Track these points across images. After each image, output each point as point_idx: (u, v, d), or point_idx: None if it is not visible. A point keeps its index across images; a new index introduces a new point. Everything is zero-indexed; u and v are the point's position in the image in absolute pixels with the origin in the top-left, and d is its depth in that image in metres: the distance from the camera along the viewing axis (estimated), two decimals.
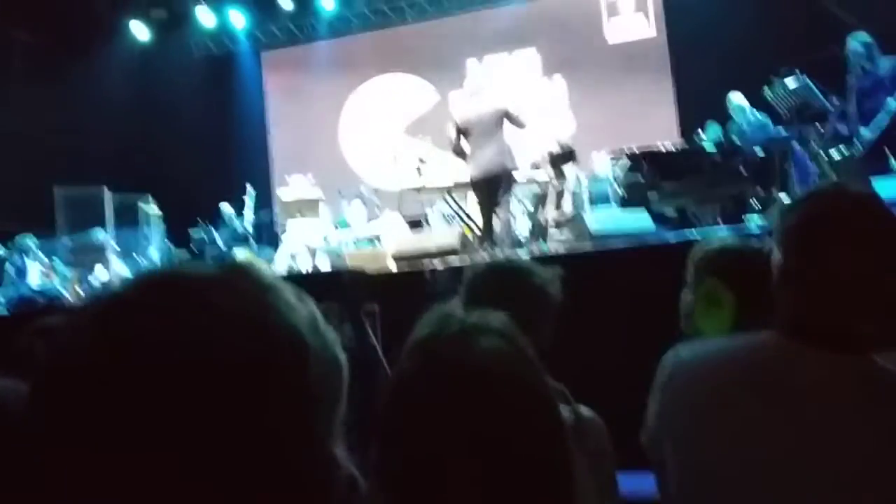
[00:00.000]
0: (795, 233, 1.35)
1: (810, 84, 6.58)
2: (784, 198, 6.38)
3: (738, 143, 7.25)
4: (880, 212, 1.32)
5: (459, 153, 7.17)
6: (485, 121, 6.91)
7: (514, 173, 7.24)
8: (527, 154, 9.12)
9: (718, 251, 1.83)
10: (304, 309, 0.66)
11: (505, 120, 6.99)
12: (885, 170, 6.24)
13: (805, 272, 1.32)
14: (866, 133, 6.50)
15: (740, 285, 1.69)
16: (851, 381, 1.26)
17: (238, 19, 13.57)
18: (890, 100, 6.41)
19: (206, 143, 13.65)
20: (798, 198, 1.46)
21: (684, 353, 1.45)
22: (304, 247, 8.63)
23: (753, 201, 6.99)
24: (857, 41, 6.61)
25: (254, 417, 0.57)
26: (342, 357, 0.69)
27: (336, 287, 4.63)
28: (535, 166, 8.67)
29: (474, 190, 7.23)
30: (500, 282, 1.84)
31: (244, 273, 0.65)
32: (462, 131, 7.04)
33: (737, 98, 7.86)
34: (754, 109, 7.78)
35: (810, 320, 1.31)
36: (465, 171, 7.21)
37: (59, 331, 0.60)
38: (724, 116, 8.46)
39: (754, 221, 6.13)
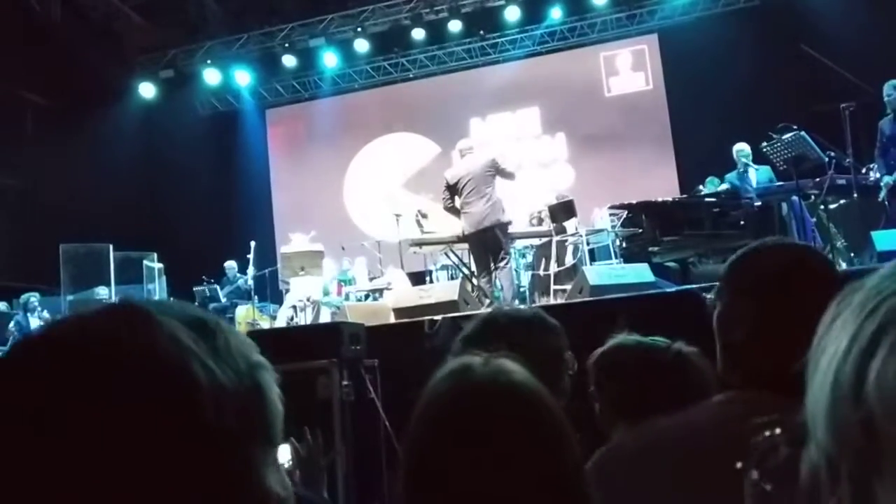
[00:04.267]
0: (772, 282, 1.37)
1: (807, 137, 6.66)
2: None
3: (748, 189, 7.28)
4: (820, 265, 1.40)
5: (452, 210, 7.39)
6: (474, 177, 7.14)
7: (510, 226, 7.42)
8: (527, 208, 9.21)
9: (615, 349, 1.81)
10: (200, 342, 0.61)
11: (495, 174, 7.22)
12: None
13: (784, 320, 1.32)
14: (889, 180, 6.53)
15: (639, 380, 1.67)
16: None
17: (242, 77, 13.82)
18: None
19: (211, 200, 13.78)
20: (745, 253, 1.48)
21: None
22: (306, 300, 8.63)
23: None
24: (891, 86, 6.72)
25: (149, 463, 0.55)
26: (265, 387, 0.65)
27: (335, 342, 4.62)
28: (537, 220, 8.72)
29: (469, 245, 7.44)
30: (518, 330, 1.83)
31: (129, 314, 0.62)
32: (453, 189, 7.27)
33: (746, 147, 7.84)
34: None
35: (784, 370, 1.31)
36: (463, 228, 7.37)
37: None
38: (723, 172, 8.53)
39: None
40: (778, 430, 1.12)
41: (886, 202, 6.55)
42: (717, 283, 1.48)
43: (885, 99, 6.77)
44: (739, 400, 1.34)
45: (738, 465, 1.13)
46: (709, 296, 1.55)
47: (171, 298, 10.22)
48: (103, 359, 0.57)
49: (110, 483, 0.54)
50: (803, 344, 1.34)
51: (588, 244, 7.97)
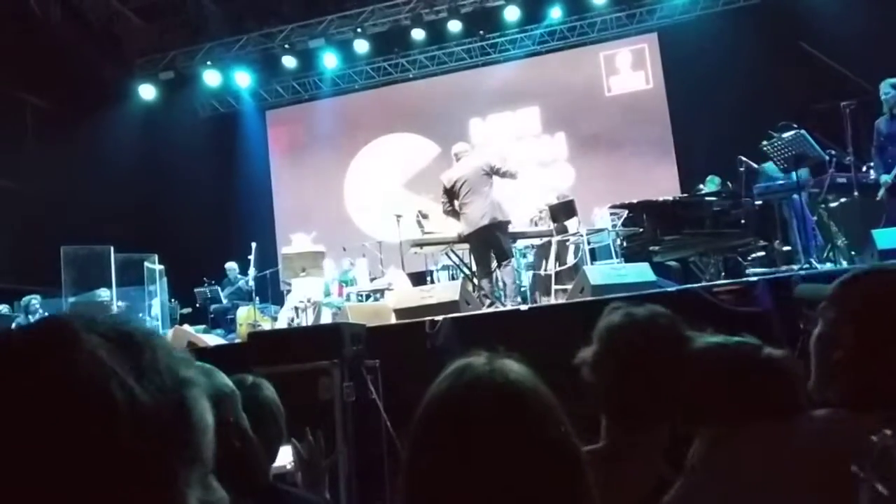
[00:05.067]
0: (874, 308, 1.39)
1: (806, 136, 6.66)
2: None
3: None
4: None
5: (451, 214, 7.47)
6: (471, 178, 7.22)
7: (510, 226, 7.48)
8: (528, 208, 9.21)
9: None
10: (123, 361, 0.61)
11: (491, 175, 7.28)
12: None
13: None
14: (887, 178, 6.53)
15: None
16: None
17: (243, 78, 13.82)
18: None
19: (212, 201, 13.77)
20: (854, 276, 1.50)
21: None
22: (307, 301, 8.63)
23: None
24: (889, 85, 6.73)
25: (62, 484, 0.55)
26: (190, 404, 0.64)
27: (336, 343, 4.61)
28: (538, 220, 8.72)
29: (469, 245, 7.51)
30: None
31: (53, 332, 0.62)
32: (450, 192, 7.35)
33: None
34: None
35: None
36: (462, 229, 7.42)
37: None
38: (723, 170, 8.53)
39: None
40: (889, 432, 1.13)
41: (885, 201, 6.55)
42: (823, 302, 1.49)
43: (882, 97, 6.77)
44: (844, 421, 1.35)
45: (854, 468, 1.14)
46: (808, 312, 1.55)
47: (173, 300, 10.28)
48: (19, 377, 0.57)
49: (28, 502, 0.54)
50: None
51: (589, 244, 7.97)
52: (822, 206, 7.01)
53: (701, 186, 9.17)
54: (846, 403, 1.39)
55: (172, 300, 10.71)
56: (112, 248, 9.84)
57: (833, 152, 6.95)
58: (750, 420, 1.39)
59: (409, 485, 1.04)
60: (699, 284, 5.99)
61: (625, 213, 7.42)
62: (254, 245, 10.38)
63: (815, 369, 1.47)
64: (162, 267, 10.29)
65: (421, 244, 8.06)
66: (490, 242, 7.23)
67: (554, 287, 7.73)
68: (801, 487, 1.30)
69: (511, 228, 7.65)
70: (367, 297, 9.33)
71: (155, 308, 10.08)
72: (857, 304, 1.42)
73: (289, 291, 9.48)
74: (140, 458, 0.58)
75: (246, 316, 9.78)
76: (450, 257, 8.36)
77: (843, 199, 6.97)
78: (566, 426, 1.06)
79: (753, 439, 1.38)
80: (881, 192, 6.56)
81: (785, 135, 6.72)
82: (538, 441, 1.01)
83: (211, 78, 13.65)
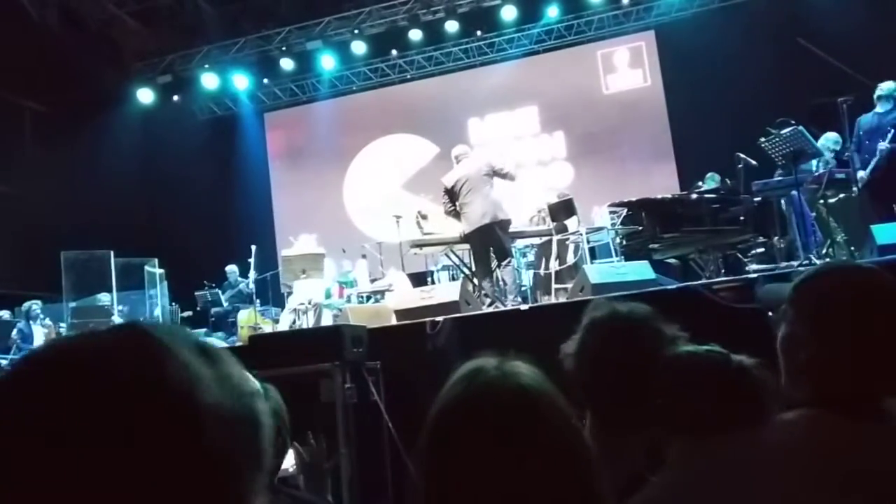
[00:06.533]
0: (834, 307, 1.42)
1: (805, 132, 6.67)
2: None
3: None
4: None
5: (452, 214, 7.51)
6: (472, 178, 7.28)
7: (510, 224, 7.51)
8: (527, 207, 9.22)
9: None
10: (204, 369, 0.64)
11: (492, 175, 7.36)
12: (887, 214, 6.26)
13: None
14: (863, 175, 6.57)
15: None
16: None
17: (241, 81, 13.82)
18: (881, 144, 6.51)
19: (211, 204, 13.78)
20: (809, 275, 1.53)
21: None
22: (307, 303, 8.64)
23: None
24: (889, 85, 6.77)
25: (151, 483, 0.57)
26: (259, 415, 0.67)
27: (337, 344, 4.62)
28: (537, 219, 8.72)
29: (470, 244, 7.53)
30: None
31: (133, 338, 0.64)
32: (451, 193, 7.40)
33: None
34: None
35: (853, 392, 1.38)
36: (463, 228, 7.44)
37: None
38: (722, 167, 8.53)
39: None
40: None
41: (864, 197, 6.57)
42: (783, 305, 1.51)
43: (878, 94, 6.79)
44: (812, 421, 1.38)
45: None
46: (772, 314, 1.57)
47: (173, 303, 10.28)
48: (112, 381, 0.59)
49: (112, 501, 0.56)
50: (865, 366, 1.40)
51: (588, 242, 7.98)
52: (822, 202, 7.01)
53: (700, 183, 9.17)
54: (814, 403, 1.41)
55: (173, 304, 10.72)
56: (112, 253, 9.85)
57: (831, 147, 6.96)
58: (721, 429, 1.41)
59: (426, 494, 1.03)
60: (699, 282, 6.00)
61: (624, 211, 7.42)
62: (254, 248, 10.39)
63: (784, 371, 1.49)
64: (162, 271, 10.30)
65: (421, 245, 8.07)
66: (490, 241, 7.25)
67: (554, 286, 7.73)
68: (774, 490, 1.32)
69: (511, 228, 7.66)
70: (368, 298, 9.33)
71: (156, 312, 10.09)
72: (813, 304, 1.45)
73: (289, 294, 9.48)
74: (222, 461, 0.61)
75: (247, 319, 9.78)
76: (450, 258, 8.37)
77: (841, 195, 6.98)
78: (579, 429, 1.06)
79: (724, 446, 1.40)
80: (855, 189, 6.60)
81: (783, 131, 6.73)
82: (554, 446, 1.01)
83: (209, 81, 13.65)
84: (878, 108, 6.85)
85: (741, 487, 1.35)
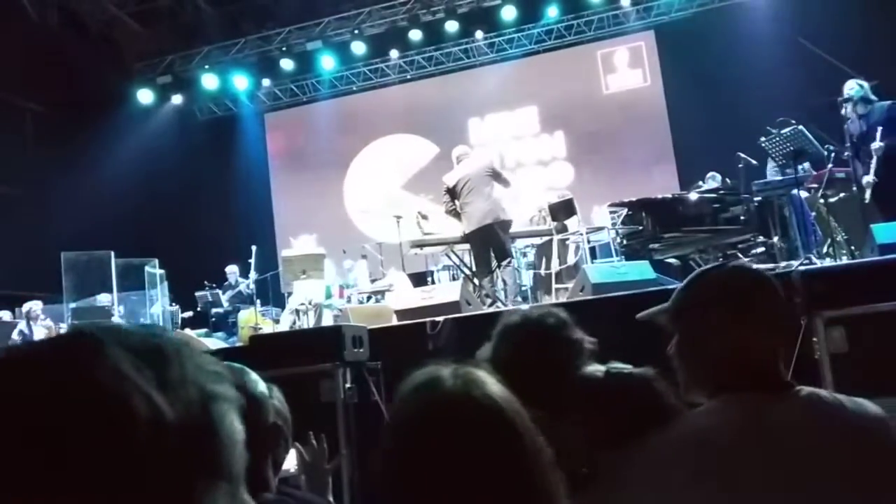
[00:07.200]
0: (734, 294, 1.52)
1: (805, 131, 6.66)
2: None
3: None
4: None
5: (453, 214, 7.55)
6: (473, 178, 7.32)
7: (510, 224, 7.56)
8: (527, 207, 9.22)
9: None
10: (147, 375, 0.60)
11: (493, 175, 7.44)
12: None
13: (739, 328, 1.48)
14: (869, 180, 6.53)
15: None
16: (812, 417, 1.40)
17: (241, 82, 13.82)
18: (874, 144, 6.49)
19: (211, 205, 13.77)
20: (697, 275, 1.65)
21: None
22: (308, 303, 8.64)
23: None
24: (852, 87, 6.72)
25: (80, 497, 0.55)
26: (215, 421, 0.63)
27: (338, 345, 4.62)
28: (538, 219, 8.73)
29: (470, 244, 7.55)
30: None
31: (77, 344, 0.61)
32: (452, 192, 7.43)
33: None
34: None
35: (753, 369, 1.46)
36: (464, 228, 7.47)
37: None
38: (722, 167, 8.53)
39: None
40: None
41: (872, 203, 6.53)
42: (670, 309, 1.59)
43: (849, 97, 6.71)
44: (740, 401, 1.43)
45: None
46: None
47: (175, 304, 10.28)
48: (38, 390, 0.57)
49: None
50: (772, 345, 1.46)
51: (589, 242, 7.97)
52: (822, 201, 7.01)
53: (700, 183, 9.16)
54: (721, 392, 1.47)
55: (173, 304, 10.72)
56: (112, 253, 9.85)
57: (832, 147, 6.95)
58: (635, 436, 1.45)
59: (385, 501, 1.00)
60: None
61: (624, 211, 7.42)
62: (254, 248, 10.40)
63: (682, 375, 1.56)
64: (162, 271, 10.30)
65: (421, 245, 8.08)
66: (491, 241, 7.26)
67: (555, 286, 7.73)
68: (704, 475, 1.36)
69: (511, 228, 7.68)
70: (368, 298, 9.33)
71: (153, 310, 10.08)
72: (715, 295, 1.52)
73: (290, 294, 9.48)
74: (161, 472, 0.58)
75: (247, 319, 9.78)
76: (450, 258, 8.36)
77: (842, 195, 6.97)
78: (539, 438, 1.03)
79: (641, 449, 1.43)
80: (867, 194, 6.56)
81: (783, 131, 6.72)
82: (521, 459, 0.98)
83: (209, 82, 13.67)
84: (860, 111, 6.77)
85: (669, 481, 1.37)
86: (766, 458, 1.34)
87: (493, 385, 1.02)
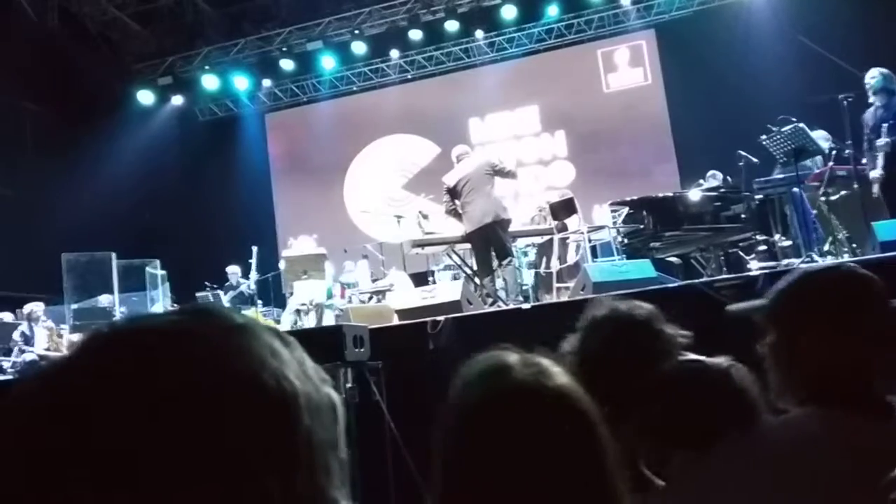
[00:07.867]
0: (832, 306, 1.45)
1: (805, 129, 6.65)
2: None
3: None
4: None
5: (454, 213, 7.53)
6: (473, 177, 7.30)
7: (510, 224, 7.53)
8: (528, 206, 9.22)
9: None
10: (287, 352, 0.60)
11: (493, 174, 7.38)
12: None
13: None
14: (875, 174, 6.51)
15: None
16: None
17: (241, 82, 13.82)
18: (878, 141, 6.47)
19: (212, 205, 13.78)
20: (798, 279, 1.55)
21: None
22: (309, 304, 8.64)
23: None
24: (873, 75, 6.70)
25: (238, 472, 0.52)
26: (334, 397, 0.63)
27: (339, 345, 4.61)
28: (538, 218, 8.72)
29: (471, 244, 7.53)
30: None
31: (209, 318, 0.59)
32: (453, 192, 7.42)
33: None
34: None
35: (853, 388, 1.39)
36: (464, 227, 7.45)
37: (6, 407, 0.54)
38: (723, 165, 8.52)
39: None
40: None
41: (881, 197, 6.51)
42: (768, 308, 1.52)
43: (871, 86, 6.72)
44: (830, 417, 1.38)
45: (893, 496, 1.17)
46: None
47: (175, 304, 10.29)
48: (204, 374, 0.55)
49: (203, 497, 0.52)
50: (872, 360, 1.37)
51: (590, 241, 7.97)
52: (823, 199, 6.99)
53: (701, 181, 9.15)
54: (810, 403, 1.41)
55: (174, 305, 10.72)
56: (114, 254, 9.85)
57: (833, 145, 6.94)
58: (715, 439, 1.40)
59: (447, 494, 0.98)
60: (701, 280, 5.99)
61: (625, 209, 7.41)
62: (255, 249, 10.39)
63: (775, 377, 1.49)
64: (164, 272, 10.30)
65: (422, 244, 8.07)
66: (492, 240, 7.25)
67: (556, 285, 7.73)
68: (783, 490, 1.32)
69: (511, 227, 7.67)
70: (369, 298, 9.33)
71: (154, 309, 10.10)
72: (799, 307, 1.47)
73: (290, 294, 9.48)
74: (313, 456, 0.57)
75: None
76: (451, 257, 8.35)
77: (843, 192, 6.95)
78: (608, 433, 1.01)
79: (720, 456, 1.39)
80: (875, 189, 6.53)
81: (784, 129, 6.71)
82: (591, 453, 0.97)
83: (209, 82, 13.67)
84: (877, 102, 6.75)
85: (746, 494, 1.34)
86: (857, 480, 1.27)
87: (563, 377, 1.01)
